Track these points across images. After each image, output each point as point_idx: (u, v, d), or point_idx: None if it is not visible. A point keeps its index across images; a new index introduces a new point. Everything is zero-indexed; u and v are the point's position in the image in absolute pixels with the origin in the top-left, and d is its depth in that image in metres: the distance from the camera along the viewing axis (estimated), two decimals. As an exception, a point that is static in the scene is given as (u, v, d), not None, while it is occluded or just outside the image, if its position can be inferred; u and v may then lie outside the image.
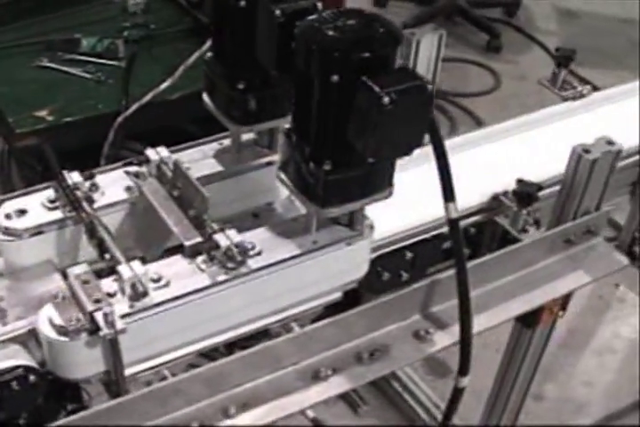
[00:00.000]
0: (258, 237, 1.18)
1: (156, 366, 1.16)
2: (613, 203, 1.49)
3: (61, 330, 1.06)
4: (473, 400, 1.76)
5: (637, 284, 2.17)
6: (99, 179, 1.27)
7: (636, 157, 1.52)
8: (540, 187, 1.37)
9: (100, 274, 1.15)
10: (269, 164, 1.32)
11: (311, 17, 1.03)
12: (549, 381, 2.24)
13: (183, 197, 1.22)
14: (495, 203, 1.41)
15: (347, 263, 1.23)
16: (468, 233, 1.43)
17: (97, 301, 1.07)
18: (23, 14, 2.20)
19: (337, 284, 1.25)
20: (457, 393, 1.30)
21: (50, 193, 1.24)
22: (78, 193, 1.22)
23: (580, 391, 2.22)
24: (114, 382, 1.14)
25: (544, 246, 1.34)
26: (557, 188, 1.39)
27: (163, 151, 1.29)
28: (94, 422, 1.06)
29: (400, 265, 1.38)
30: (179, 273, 1.14)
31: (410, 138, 1.03)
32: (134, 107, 1.94)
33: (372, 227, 1.22)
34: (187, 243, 1.16)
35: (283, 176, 1.17)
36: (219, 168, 1.33)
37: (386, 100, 0.95)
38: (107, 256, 1.15)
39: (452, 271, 1.21)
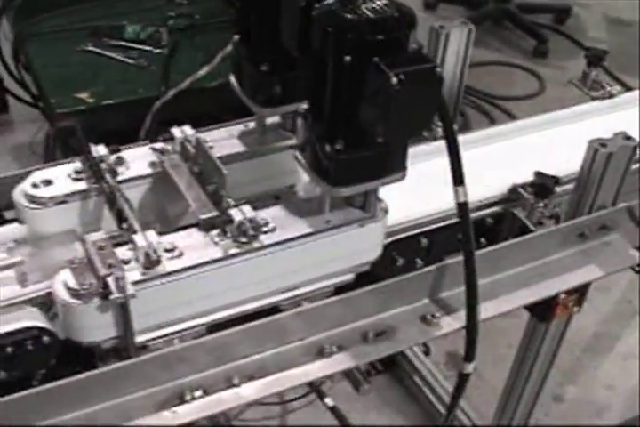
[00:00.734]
0: (272, 214, 1.22)
1: (166, 335, 1.20)
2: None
3: (75, 293, 1.11)
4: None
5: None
6: (125, 154, 1.32)
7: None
8: (557, 180, 1.38)
9: (119, 245, 1.19)
10: (292, 147, 1.35)
11: (329, 0, 1.07)
12: (571, 383, 2.24)
13: (203, 174, 1.26)
14: (514, 195, 1.43)
15: (359, 245, 1.26)
16: (486, 224, 1.45)
17: (110, 266, 1.11)
18: (73, 1, 2.26)
19: (348, 265, 1.27)
20: (462, 379, 1.32)
21: (76, 165, 1.29)
22: (103, 165, 1.27)
23: (601, 394, 2.22)
24: (124, 349, 1.18)
25: (557, 239, 1.36)
26: (576, 183, 1.41)
27: (187, 130, 1.33)
28: (101, 382, 1.10)
29: (415, 252, 1.40)
30: (192, 245, 1.17)
31: (418, 119, 1.05)
32: (172, 92, 1.96)
33: (385, 210, 1.25)
34: (202, 216, 1.19)
35: (299, 156, 1.21)
36: (242, 148, 1.36)
37: (394, 80, 0.98)
38: (124, 226, 1.20)
39: (461, 257, 1.23)
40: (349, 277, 1.30)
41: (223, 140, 1.37)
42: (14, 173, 1.32)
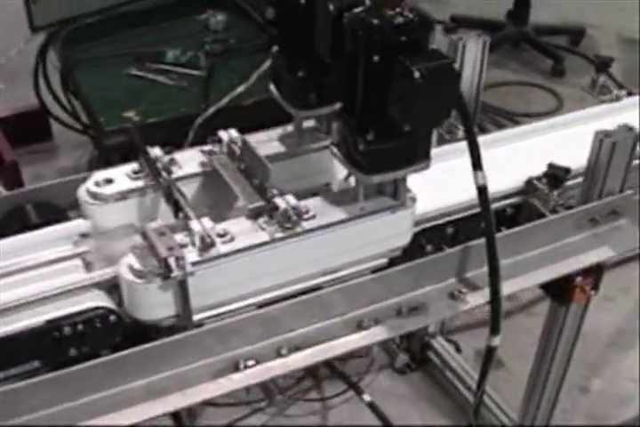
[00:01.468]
0: (312, 204, 1.35)
1: (220, 314, 1.34)
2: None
3: (139, 274, 1.24)
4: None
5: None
6: (177, 156, 1.46)
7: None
8: (567, 170, 1.51)
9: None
10: (327, 147, 1.49)
11: (357, 9, 1.21)
12: (596, 376, 2.34)
13: (248, 169, 1.40)
14: (530, 186, 1.56)
15: (391, 230, 1.39)
16: (506, 213, 1.59)
17: (171, 249, 1.25)
18: (117, 29, 2.44)
19: (382, 249, 1.41)
20: (490, 352, 1.45)
21: (134, 166, 1.44)
22: (159, 164, 1.42)
23: (625, 386, 2.32)
24: (183, 328, 1.32)
25: (570, 223, 1.48)
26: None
27: (233, 133, 1.48)
28: (163, 353, 1.24)
29: (442, 239, 1.53)
30: (242, 230, 1.31)
31: (439, 110, 1.20)
32: (212, 109, 2.15)
33: (414, 199, 1.38)
34: (250, 206, 1.33)
35: (335, 151, 1.35)
36: (282, 149, 1.50)
37: (417, 74, 1.13)
38: (181, 215, 1.34)
39: (484, 239, 1.36)
40: (383, 261, 1.43)
41: (264, 142, 1.51)
42: (76, 177, 1.47)
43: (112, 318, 1.30)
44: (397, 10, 1.18)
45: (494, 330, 1.41)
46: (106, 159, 2.31)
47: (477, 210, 1.50)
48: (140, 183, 1.41)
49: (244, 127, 1.54)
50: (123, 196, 1.41)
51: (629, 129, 1.45)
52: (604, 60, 1.80)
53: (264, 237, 1.30)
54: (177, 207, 1.35)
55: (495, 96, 3.51)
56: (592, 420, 2.25)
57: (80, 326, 1.28)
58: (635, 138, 1.44)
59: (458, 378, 2.26)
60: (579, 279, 1.58)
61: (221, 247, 1.28)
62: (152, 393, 1.24)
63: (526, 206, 1.57)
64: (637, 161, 1.63)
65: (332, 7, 1.26)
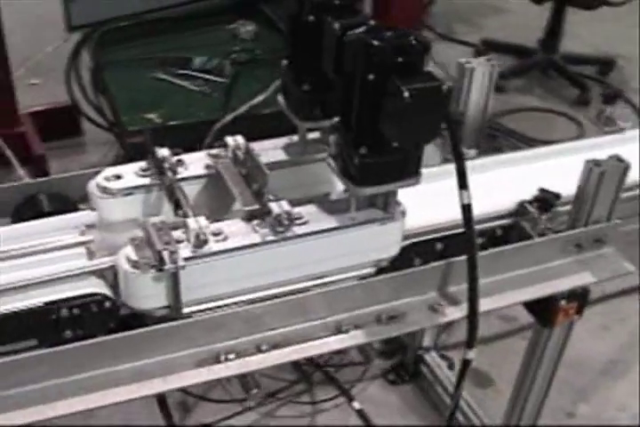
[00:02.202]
0: (306, 210, 1.42)
1: (210, 309, 1.41)
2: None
3: (134, 264, 1.32)
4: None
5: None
6: (185, 157, 1.54)
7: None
8: (557, 195, 1.58)
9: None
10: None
11: (359, 29, 1.29)
12: (584, 401, 2.39)
13: (249, 175, 1.47)
14: (521, 209, 1.62)
15: (379, 241, 1.46)
16: (496, 234, 1.65)
17: (166, 243, 1.33)
18: (149, 34, 2.54)
19: (369, 259, 1.47)
20: (465, 364, 1.52)
21: (143, 164, 1.52)
22: (165, 164, 1.50)
23: (612, 414, 2.36)
24: (173, 319, 1.39)
25: (554, 247, 1.54)
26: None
27: (239, 139, 1.55)
28: (150, 340, 1.31)
29: (430, 254, 1.59)
30: (236, 231, 1.38)
31: (427, 128, 1.27)
32: (230, 116, 2.23)
33: (403, 212, 1.45)
34: (246, 208, 1.41)
35: (331, 162, 1.42)
36: (285, 157, 1.58)
37: (406, 94, 1.20)
38: (180, 213, 1.42)
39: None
40: (370, 270, 1.50)
41: (269, 149, 1.58)
42: (89, 172, 1.55)
43: (107, 304, 1.38)
44: (396, 32, 1.26)
45: (469, 344, 1.47)
46: (130, 157, 2.40)
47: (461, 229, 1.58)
48: (146, 181, 1.49)
49: (261, 136, 1.62)
50: (129, 191, 1.48)
51: (620, 160, 1.50)
52: (612, 93, 1.85)
53: (256, 238, 1.37)
54: (177, 205, 1.43)
55: (518, 121, 3.58)
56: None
57: (76, 310, 1.36)
58: (624, 169, 1.50)
59: (447, 394, 2.31)
60: (562, 302, 1.64)
61: (214, 245, 1.35)
62: (136, 377, 1.31)
63: (517, 228, 1.63)
64: (632, 192, 1.69)
65: (337, 26, 1.34)
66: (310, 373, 2.39)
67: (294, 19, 1.43)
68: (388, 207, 1.43)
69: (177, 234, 1.36)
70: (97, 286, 1.39)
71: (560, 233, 1.57)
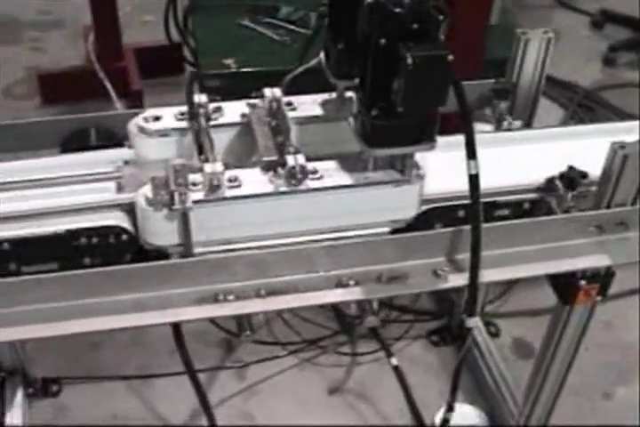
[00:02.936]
0: (324, 166, 1.46)
1: (220, 251, 1.48)
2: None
3: (150, 202, 1.40)
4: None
5: None
6: (225, 104, 1.60)
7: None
8: (584, 174, 1.56)
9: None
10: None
11: (383, -6, 1.31)
12: (623, 385, 2.37)
13: (277, 127, 1.53)
14: (549, 185, 1.61)
15: (393, 202, 1.49)
16: (523, 207, 1.65)
17: (180, 185, 1.40)
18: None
19: (383, 219, 1.50)
20: (466, 332, 1.54)
21: (183, 109, 1.59)
22: (202, 110, 1.56)
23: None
24: (185, 257, 1.47)
25: (573, 226, 1.53)
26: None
27: (276, 91, 1.60)
28: (153, 274, 1.39)
29: (452, 220, 1.60)
30: (252, 180, 1.44)
31: (431, 96, 1.29)
32: (301, 68, 2.25)
33: (421, 176, 1.47)
34: (264, 158, 1.46)
35: (351, 121, 1.46)
36: (321, 112, 1.62)
37: (409, 61, 1.22)
38: (202, 158, 1.48)
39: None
40: (384, 230, 1.53)
41: (307, 104, 1.62)
42: (139, 111, 1.63)
43: (125, 237, 1.47)
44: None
45: (470, 312, 1.50)
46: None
47: (488, 198, 1.59)
48: (182, 124, 1.56)
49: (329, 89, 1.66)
50: (165, 133, 1.56)
51: (649, 144, 1.48)
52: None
53: (269, 187, 1.43)
54: (201, 150, 1.49)
55: (621, 96, 3.48)
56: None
57: (95, 239, 1.46)
58: (652, 153, 1.48)
59: (483, 361, 2.33)
60: (582, 282, 1.64)
61: (227, 191, 1.42)
62: (136, 307, 1.40)
63: (543, 203, 1.63)
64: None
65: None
66: (355, 324, 2.44)
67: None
68: (404, 170, 1.46)
69: (195, 177, 1.43)
70: (118, 219, 1.47)
71: (581, 213, 1.56)
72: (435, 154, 1.44)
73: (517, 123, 1.79)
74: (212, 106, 1.58)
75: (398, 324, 2.49)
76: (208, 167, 1.41)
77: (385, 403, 2.32)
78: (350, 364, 2.40)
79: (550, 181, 1.61)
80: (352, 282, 1.46)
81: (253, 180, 1.44)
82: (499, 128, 1.80)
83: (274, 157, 1.46)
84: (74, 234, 1.45)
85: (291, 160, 1.43)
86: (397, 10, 1.26)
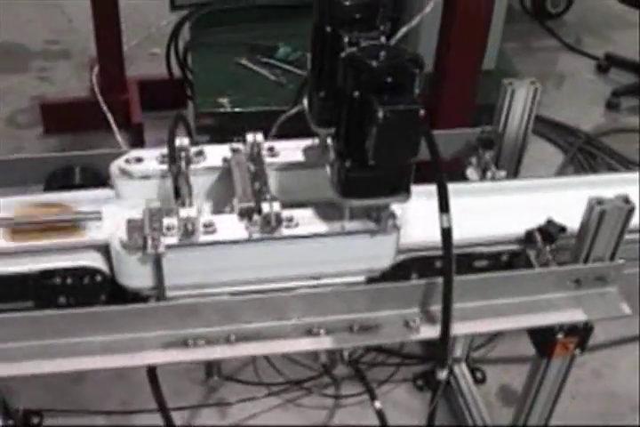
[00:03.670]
0: (300, 213, 1.46)
1: (192, 295, 1.47)
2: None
3: (124, 245, 1.41)
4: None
5: None
6: (207, 148, 1.61)
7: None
8: (562, 228, 1.56)
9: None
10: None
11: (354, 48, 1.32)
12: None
13: (255, 173, 1.53)
14: (529, 237, 1.61)
15: (368, 252, 1.49)
16: (501, 259, 1.65)
17: (154, 229, 1.40)
18: (237, 20, 2.62)
19: (357, 268, 1.50)
20: (437, 384, 1.54)
21: (165, 151, 1.60)
22: (183, 153, 1.57)
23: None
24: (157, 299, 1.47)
25: (550, 279, 1.53)
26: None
27: (258, 136, 1.61)
28: (124, 316, 1.39)
29: (429, 271, 1.61)
30: (227, 226, 1.44)
31: (403, 149, 1.29)
32: (295, 109, 2.27)
33: (397, 226, 1.47)
34: (240, 204, 1.47)
35: (328, 171, 1.47)
36: (302, 159, 1.63)
37: (380, 115, 1.23)
38: (179, 202, 1.49)
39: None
40: (360, 278, 1.53)
41: (289, 149, 1.63)
42: (125, 150, 1.64)
43: (99, 278, 1.47)
44: (392, 51, 1.28)
45: (440, 364, 1.49)
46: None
47: (466, 249, 1.59)
48: (164, 166, 1.57)
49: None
50: (146, 175, 1.57)
51: (626, 201, 1.48)
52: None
53: (243, 234, 1.43)
54: (178, 194, 1.50)
55: (623, 142, 3.48)
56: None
57: (69, 280, 1.46)
58: (628, 211, 1.47)
59: (467, 408, 2.32)
60: (560, 336, 1.63)
61: (201, 237, 1.42)
62: (105, 349, 1.40)
63: (522, 256, 1.63)
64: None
65: (346, 39, 1.37)
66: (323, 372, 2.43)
67: (316, 28, 1.47)
68: (380, 220, 1.46)
69: (170, 221, 1.43)
70: (92, 260, 1.47)
71: (558, 267, 1.56)
72: (415, 202, 1.45)
73: (502, 173, 1.79)
74: (193, 149, 1.59)
75: (384, 367, 2.47)
76: (183, 212, 1.42)
77: (367, 446, 2.31)
78: (333, 406, 2.39)
79: (530, 233, 1.61)
80: (323, 331, 1.46)
81: (229, 226, 1.45)
82: (483, 178, 1.80)
83: (250, 204, 1.47)
84: (47, 274, 1.46)
85: (266, 207, 1.44)
86: (373, 63, 1.27)
